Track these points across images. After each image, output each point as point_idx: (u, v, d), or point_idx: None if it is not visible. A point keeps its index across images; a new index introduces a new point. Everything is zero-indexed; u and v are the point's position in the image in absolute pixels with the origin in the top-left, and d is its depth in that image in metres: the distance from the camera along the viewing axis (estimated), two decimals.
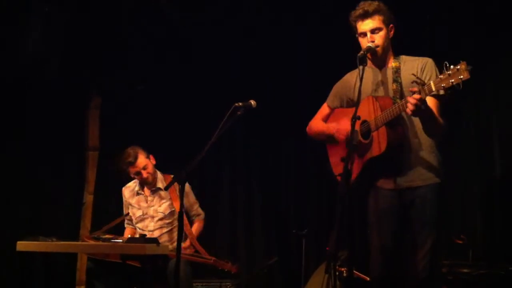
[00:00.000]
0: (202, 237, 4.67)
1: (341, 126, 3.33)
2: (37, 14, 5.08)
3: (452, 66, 2.73)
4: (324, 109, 3.60)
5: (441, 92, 2.85)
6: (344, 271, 4.00)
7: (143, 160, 4.45)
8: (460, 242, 4.13)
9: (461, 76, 2.68)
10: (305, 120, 3.76)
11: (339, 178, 3.37)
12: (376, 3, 3.22)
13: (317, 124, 3.59)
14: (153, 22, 5.28)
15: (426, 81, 2.97)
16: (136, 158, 4.42)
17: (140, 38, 5.36)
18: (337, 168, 3.45)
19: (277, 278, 5.29)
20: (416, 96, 2.85)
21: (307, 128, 3.65)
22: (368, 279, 4.07)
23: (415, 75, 2.99)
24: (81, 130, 5.56)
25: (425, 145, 3.17)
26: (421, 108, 2.87)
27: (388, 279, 3.20)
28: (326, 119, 3.58)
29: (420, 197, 3.14)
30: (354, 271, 4.05)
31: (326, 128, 3.48)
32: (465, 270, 4.00)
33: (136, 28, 5.30)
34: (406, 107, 2.91)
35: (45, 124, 5.35)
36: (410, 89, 2.90)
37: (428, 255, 3.10)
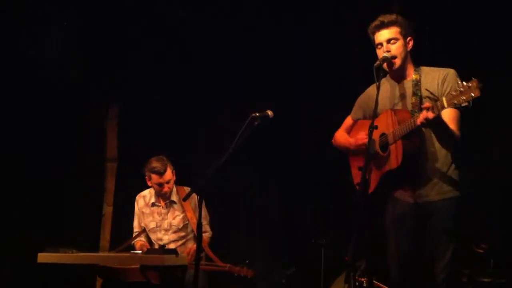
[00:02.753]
0: (219, 247, 4.67)
1: (359, 140, 3.33)
2: (55, 24, 5.15)
3: (464, 83, 2.75)
4: (348, 121, 3.63)
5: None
6: (364, 281, 3.98)
7: (169, 174, 4.47)
8: (481, 251, 4.09)
9: (473, 94, 2.71)
10: (325, 128, 3.77)
11: (358, 187, 3.39)
12: (394, 15, 3.23)
13: (341, 137, 3.61)
14: (171, 32, 5.34)
15: (446, 93, 2.99)
16: (165, 170, 4.43)
17: (157, 48, 5.42)
18: (358, 178, 3.42)
19: None
20: (425, 114, 2.87)
21: (333, 140, 3.67)
22: None
23: (428, 90, 3.07)
24: (100, 140, 5.60)
25: (442, 156, 3.17)
26: (432, 123, 2.90)
27: (404, 285, 3.19)
28: (349, 131, 3.61)
29: (438, 210, 3.14)
30: (374, 281, 4.03)
31: (347, 143, 3.50)
32: (486, 279, 3.97)
33: (153, 38, 5.36)
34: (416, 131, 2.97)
35: (64, 134, 5.40)
36: (423, 105, 2.93)
37: (446, 267, 3.10)
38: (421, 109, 3.10)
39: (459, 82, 3.07)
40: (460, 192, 3.17)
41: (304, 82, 5.47)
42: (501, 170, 4.59)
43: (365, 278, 3.94)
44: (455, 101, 2.76)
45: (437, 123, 2.94)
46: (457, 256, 3.15)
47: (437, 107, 2.85)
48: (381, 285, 4.08)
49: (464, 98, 2.72)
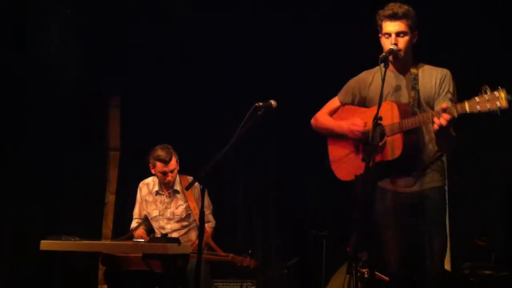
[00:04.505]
0: (220, 238, 4.67)
1: (355, 126, 3.30)
2: (57, 15, 5.15)
3: (489, 92, 2.75)
4: (334, 103, 3.54)
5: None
6: (366, 273, 3.98)
7: (174, 163, 4.46)
8: (483, 244, 4.10)
9: (499, 103, 2.72)
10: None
11: (334, 167, 3.44)
12: (406, 6, 3.22)
13: (325, 118, 3.53)
14: (170, 23, 5.34)
15: (444, 93, 3.11)
16: (170, 159, 4.42)
17: (157, 38, 5.42)
18: (335, 164, 3.47)
19: (297, 279, 5.28)
20: (447, 116, 2.86)
21: (313, 120, 3.60)
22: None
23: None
24: (102, 130, 5.61)
25: (431, 148, 3.20)
26: (448, 127, 2.90)
27: (404, 275, 3.23)
28: (333, 113, 3.53)
29: (428, 198, 3.18)
30: (376, 273, 4.03)
31: (336, 126, 3.43)
32: (487, 272, 3.98)
33: (153, 29, 5.36)
34: (433, 122, 2.92)
35: (67, 124, 5.41)
36: (441, 105, 2.92)
37: (436, 254, 3.13)
38: (419, 104, 3.17)
39: (453, 82, 3.15)
40: (445, 182, 3.25)
41: (304, 79, 5.47)
42: (502, 164, 4.60)
43: (366, 269, 3.94)
44: (479, 107, 2.77)
45: (451, 127, 2.94)
46: (446, 244, 3.21)
47: (456, 110, 2.85)
48: (383, 276, 4.08)
49: (489, 106, 2.74)
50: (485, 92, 2.76)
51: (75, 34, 5.25)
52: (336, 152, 3.45)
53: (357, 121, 3.30)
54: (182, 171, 4.61)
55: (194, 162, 4.24)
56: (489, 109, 2.73)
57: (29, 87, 5.29)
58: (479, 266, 4.03)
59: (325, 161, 3.54)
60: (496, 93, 2.72)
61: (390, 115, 3.14)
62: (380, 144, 3.17)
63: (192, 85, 5.55)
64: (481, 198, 4.66)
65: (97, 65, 5.39)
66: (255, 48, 5.37)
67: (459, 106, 2.85)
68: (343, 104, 3.51)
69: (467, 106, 2.81)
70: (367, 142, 3.09)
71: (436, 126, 2.91)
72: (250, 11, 5.32)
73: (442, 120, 2.87)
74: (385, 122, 3.15)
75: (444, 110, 2.87)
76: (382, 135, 3.18)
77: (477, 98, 2.78)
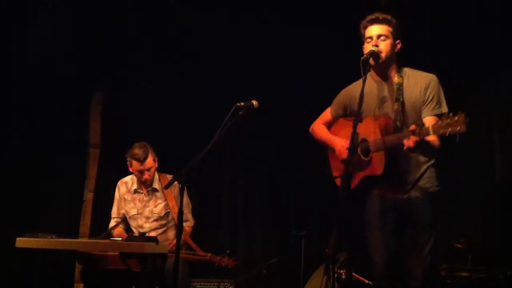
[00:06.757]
0: (201, 238, 4.66)
1: (343, 145, 3.34)
2: (41, 10, 5.11)
3: (451, 115, 2.82)
4: (327, 115, 3.62)
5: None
6: (343, 273, 4.00)
7: (150, 162, 4.44)
8: (460, 246, 4.13)
9: (459, 128, 2.77)
10: (306, 121, 3.77)
11: (337, 180, 3.42)
12: (389, 15, 3.28)
13: (320, 130, 3.61)
14: (154, 20, 5.32)
15: (429, 101, 3.14)
16: (146, 158, 4.40)
17: (143, 36, 5.40)
18: (337, 171, 3.48)
19: (276, 279, 5.28)
20: (414, 138, 2.92)
21: (310, 130, 3.68)
22: (367, 281, 4.08)
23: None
24: (82, 127, 5.56)
25: (421, 158, 3.23)
26: (416, 148, 2.96)
27: (389, 280, 3.23)
28: (328, 125, 3.61)
29: (417, 205, 3.20)
30: (353, 274, 4.05)
31: (329, 141, 3.50)
32: (465, 274, 4.01)
33: (139, 26, 5.33)
34: (403, 144, 2.99)
35: (46, 120, 5.36)
36: (410, 128, 2.97)
37: (426, 260, 3.14)
38: (404, 116, 3.20)
39: (440, 87, 3.19)
40: (437, 188, 3.24)
41: (306, 81, 5.47)
42: (482, 165, 4.65)
43: (344, 270, 3.96)
44: (441, 131, 2.83)
45: (421, 147, 3.00)
46: (437, 251, 3.19)
47: (422, 133, 2.91)
48: (360, 277, 4.11)
49: (450, 130, 2.79)
50: (447, 117, 2.82)
51: (60, 30, 5.21)
52: (336, 161, 3.46)
53: (346, 132, 3.30)
54: (162, 169, 4.59)
55: (174, 160, 4.24)
56: (450, 132, 2.80)
57: (13, 79, 5.24)
58: (456, 268, 4.06)
59: (326, 170, 3.55)
60: (456, 117, 2.78)
61: (372, 129, 3.19)
62: (366, 159, 3.21)
63: (178, 83, 5.54)
64: (459, 199, 4.69)
65: (81, 61, 5.35)
66: (254, 48, 5.37)
67: (424, 129, 2.92)
68: (334, 117, 3.57)
69: (431, 131, 2.89)
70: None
71: (405, 148, 2.98)
72: (250, 11, 5.30)
73: (410, 142, 2.94)
74: (369, 137, 3.21)
75: (413, 133, 2.93)
76: (368, 151, 3.21)
77: (440, 123, 2.86)
